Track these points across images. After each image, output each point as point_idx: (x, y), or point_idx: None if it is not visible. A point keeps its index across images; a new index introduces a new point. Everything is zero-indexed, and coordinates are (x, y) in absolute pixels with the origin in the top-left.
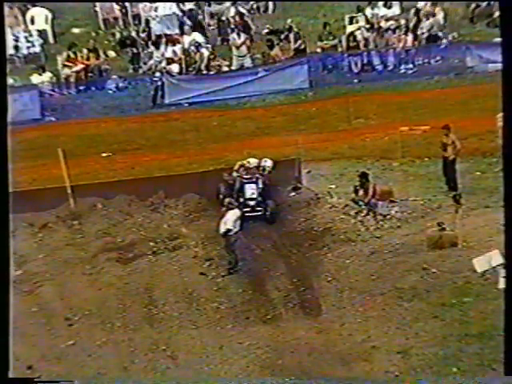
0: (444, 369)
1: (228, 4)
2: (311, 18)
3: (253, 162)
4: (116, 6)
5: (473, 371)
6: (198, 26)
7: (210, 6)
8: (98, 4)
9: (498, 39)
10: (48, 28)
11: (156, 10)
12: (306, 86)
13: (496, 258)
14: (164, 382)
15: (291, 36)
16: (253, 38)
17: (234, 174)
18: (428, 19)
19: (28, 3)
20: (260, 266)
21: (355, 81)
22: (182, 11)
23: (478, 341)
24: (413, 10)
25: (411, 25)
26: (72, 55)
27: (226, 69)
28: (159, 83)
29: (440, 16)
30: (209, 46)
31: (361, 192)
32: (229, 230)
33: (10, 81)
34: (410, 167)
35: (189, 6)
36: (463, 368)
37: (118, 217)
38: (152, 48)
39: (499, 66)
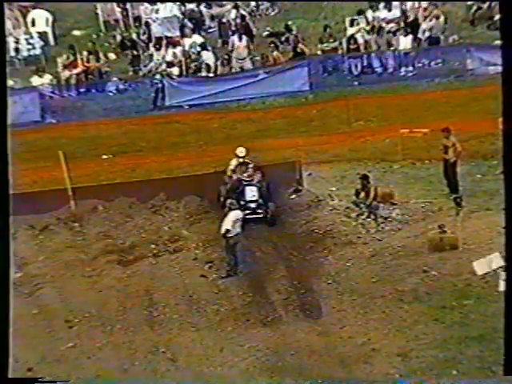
0: (444, 371)
1: (229, 6)
2: (312, 20)
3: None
4: (117, 9)
5: (473, 374)
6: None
7: (210, 8)
8: (98, 6)
9: (499, 42)
10: (49, 30)
11: (157, 12)
12: (307, 89)
13: (496, 260)
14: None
15: (291, 38)
16: (253, 40)
17: (234, 176)
18: (430, 21)
19: (28, 4)
20: (260, 268)
21: (355, 83)
22: (183, 13)
23: (479, 343)
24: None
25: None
26: (72, 57)
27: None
28: (160, 85)
29: (441, 18)
30: (209, 48)
31: (362, 194)
32: (228, 231)
33: (10, 83)
34: (410, 170)
35: (189, 7)
36: (463, 370)
37: (118, 219)
38: (152, 50)
39: (499, 68)
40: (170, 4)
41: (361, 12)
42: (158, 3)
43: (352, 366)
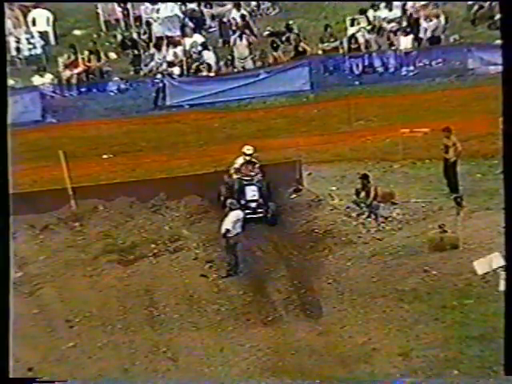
0: (445, 371)
1: (230, 6)
2: (313, 19)
3: (248, 148)
4: (118, 8)
5: (474, 373)
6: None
7: (211, 7)
8: (99, 5)
9: (499, 41)
10: (49, 30)
11: (158, 11)
12: (308, 88)
13: (497, 260)
14: (165, 383)
15: (292, 37)
16: (254, 40)
17: (234, 176)
18: (431, 21)
19: (30, 4)
20: (261, 267)
21: (356, 83)
22: (184, 13)
23: (479, 343)
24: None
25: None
26: (73, 57)
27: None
28: (160, 85)
29: (441, 18)
30: (210, 48)
31: (362, 194)
32: (227, 231)
33: (10, 82)
34: (411, 169)
35: (190, 6)
36: (464, 370)
37: (119, 219)
38: (153, 50)
39: (500, 68)
40: (170, 3)
41: (362, 11)
42: (159, 3)
43: (352, 365)
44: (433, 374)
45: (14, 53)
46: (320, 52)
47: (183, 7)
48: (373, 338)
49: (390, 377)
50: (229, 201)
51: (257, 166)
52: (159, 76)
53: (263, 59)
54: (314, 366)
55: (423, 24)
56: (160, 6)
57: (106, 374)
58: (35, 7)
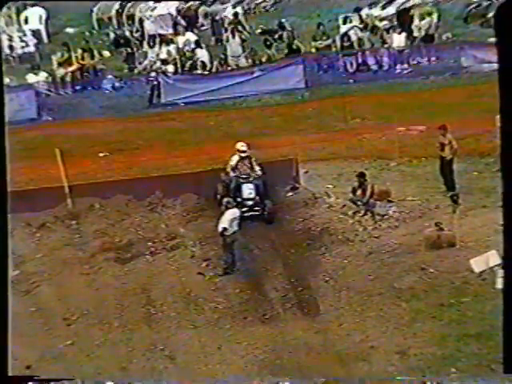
0: (442, 369)
1: (227, 4)
2: (305, 17)
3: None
4: (116, 6)
5: (471, 371)
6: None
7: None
8: (96, 4)
9: (492, 39)
10: (42, 28)
11: (153, 10)
12: (302, 86)
13: (493, 258)
14: (162, 381)
15: (285, 35)
16: (247, 38)
17: (231, 174)
18: (424, 19)
19: (30, 2)
20: (258, 265)
21: (351, 81)
22: (177, 10)
23: (477, 341)
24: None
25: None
26: (66, 55)
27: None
28: (155, 83)
29: (434, 16)
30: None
31: (359, 192)
32: (225, 229)
33: (5, 80)
34: (407, 167)
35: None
36: (462, 368)
37: (115, 217)
38: (146, 48)
39: (494, 66)
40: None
41: (357, 9)
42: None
43: (350, 363)
44: (430, 371)
45: (7, 51)
46: (313, 50)
47: (180, 6)
48: (370, 336)
49: (387, 375)
50: (225, 199)
51: (253, 160)
52: (153, 74)
53: (255, 57)
54: (312, 364)
55: (416, 22)
56: (156, 4)
57: (104, 372)
58: (34, 6)
